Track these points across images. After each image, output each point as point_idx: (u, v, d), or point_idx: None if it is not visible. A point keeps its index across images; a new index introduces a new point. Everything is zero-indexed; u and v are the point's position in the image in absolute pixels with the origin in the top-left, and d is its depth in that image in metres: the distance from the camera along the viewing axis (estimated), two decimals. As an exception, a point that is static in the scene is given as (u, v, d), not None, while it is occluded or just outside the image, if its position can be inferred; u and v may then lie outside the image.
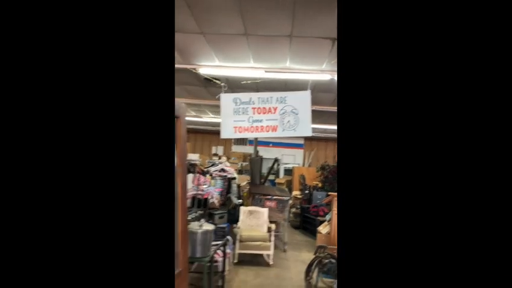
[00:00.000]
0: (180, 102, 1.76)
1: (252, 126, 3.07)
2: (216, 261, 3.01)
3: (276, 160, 6.43)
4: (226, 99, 3.17)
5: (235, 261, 3.68)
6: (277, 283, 3.16)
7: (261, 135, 3.08)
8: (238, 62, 3.94)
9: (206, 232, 2.44)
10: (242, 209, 4.25)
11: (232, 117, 3.13)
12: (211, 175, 4.07)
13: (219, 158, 6.04)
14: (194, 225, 2.43)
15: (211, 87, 5.13)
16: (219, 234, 3.17)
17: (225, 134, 3.14)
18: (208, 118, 7.81)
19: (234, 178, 5.15)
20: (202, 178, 4.11)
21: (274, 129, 3.04)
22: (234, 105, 3.13)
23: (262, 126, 3.06)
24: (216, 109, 7.05)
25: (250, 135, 3.13)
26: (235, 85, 4.83)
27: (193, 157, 4.61)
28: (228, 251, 3.27)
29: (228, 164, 4.89)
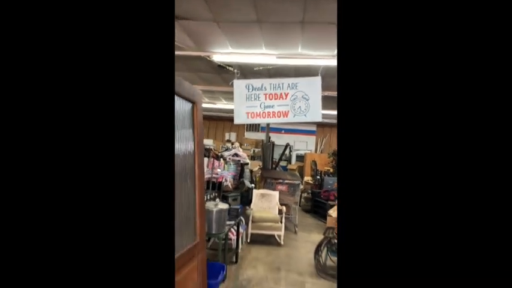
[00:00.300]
0: (196, 88, 1.89)
1: (264, 112, 3.18)
2: (230, 239, 3.21)
3: (288, 145, 6.53)
4: (239, 85, 3.27)
5: (248, 240, 3.89)
6: (288, 261, 3.34)
7: (272, 120, 3.19)
8: (250, 48, 4.00)
9: (221, 211, 2.61)
10: (254, 191, 4.42)
11: (245, 103, 3.24)
12: (225, 159, 4.24)
13: (232, 144, 6.21)
14: (210, 204, 2.61)
15: (224, 74, 5.22)
16: (232, 214, 3.36)
17: (238, 120, 3.26)
18: (222, 105, 7.93)
19: (247, 163, 5.31)
20: (216, 162, 4.29)
21: (286, 114, 3.14)
22: (246, 92, 3.23)
23: (273, 111, 3.16)
24: (229, 96, 7.16)
25: (262, 121, 3.25)
26: (248, 71, 4.90)
27: (208, 142, 4.77)
28: (241, 230, 3.47)
29: (240, 149, 5.04)
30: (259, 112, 3.21)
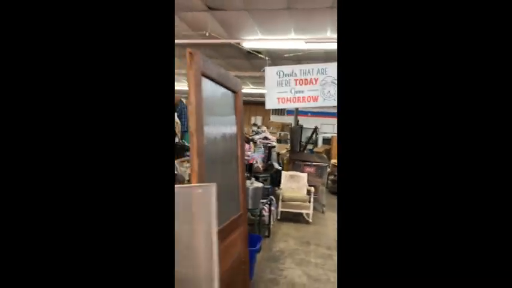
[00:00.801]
0: (236, 78, 2.10)
1: (294, 97, 3.33)
2: (263, 215, 3.50)
3: (316, 129, 6.62)
4: (271, 72, 3.42)
5: (278, 217, 4.17)
6: (316, 236, 3.58)
7: (302, 105, 3.34)
8: (279, 34, 4.10)
9: (256, 188, 2.87)
10: (283, 173, 4.64)
11: (276, 89, 3.40)
12: (255, 142, 4.47)
13: (258, 128, 6.42)
14: (246, 183, 2.87)
15: (253, 59, 5.36)
16: (264, 193, 3.62)
17: (269, 105, 3.44)
18: (249, 89, 8.10)
19: (274, 146, 5.52)
20: (247, 145, 4.54)
21: (315, 99, 3.27)
22: (277, 78, 3.38)
23: (303, 96, 3.30)
24: (256, 80, 7.30)
25: (292, 106, 3.41)
26: (276, 57, 5.00)
27: (238, 126, 5.00)
28: (272, 208, 3.74)
29: (268, 133, 5.24)
30: (290, 97, 3.36)
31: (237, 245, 1.91)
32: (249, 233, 2.65)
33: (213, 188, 1.34)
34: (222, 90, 1.81)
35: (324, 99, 3.27)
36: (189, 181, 1.83)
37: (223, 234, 1.65)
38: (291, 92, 3.35)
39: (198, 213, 1.31)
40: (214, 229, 1.31)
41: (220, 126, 1.76)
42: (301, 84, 3.33)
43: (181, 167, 2.12)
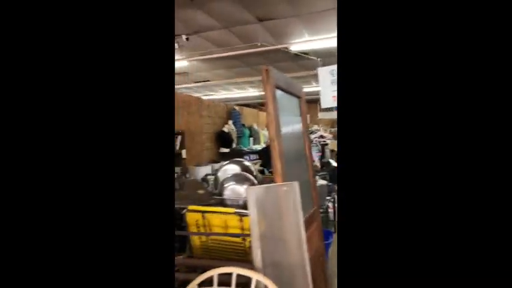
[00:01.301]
0: (299, 84, 2.25)
1: (350, 94, 3.36)
2: (329, 212, 3.57)
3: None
4: (324, 71, 3.50)
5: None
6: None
7: (359, 100, 3.35)
8: (326, 33, 4.14)
9: (322, 186, 2.98)
10: (342, 170, 4.63)
11: (330, 87, 3.47)
12: (312, 142, 4.57)
13: (311, 127, 6.45)
14: (311, 181, 3.00)
15: (300, 60, 5.47)
16: (328, 190, 3.69)
17: (325, 104, 3.52)
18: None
19: (327, 144, 5.52)
20: (302, 145, 4.66)
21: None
22: (331, 77, 3.45)
23: (360, 92, 3.31)
24: (302, 80, 7.38)
25: (349, 102, 3.44)
26: (325, 56, 5.04)
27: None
28: (335, 205, 3.78)
29: (324, 131, 5.28)
30: (345, 94, 3.40)
31: (315, 237, 2.05)
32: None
33: (296, 185, 1.52)
34: (289, 97, 1.98)
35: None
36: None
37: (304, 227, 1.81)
38: (345, 88, 3.39)
39: (285, 208, 1.49)
40: (301, 221, 1.48)
41: (290, 129, 1.94)
42: (355, 80, 3.34)
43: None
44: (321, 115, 11.63)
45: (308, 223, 1.96)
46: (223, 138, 5.61)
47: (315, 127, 5.92)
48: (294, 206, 1.50)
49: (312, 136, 4.62)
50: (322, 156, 5.22)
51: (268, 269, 1.30)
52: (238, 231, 1.47)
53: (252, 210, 1.31)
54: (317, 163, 4.56)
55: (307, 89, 7.77)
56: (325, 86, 3.51)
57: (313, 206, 2.11)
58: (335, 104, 3.50)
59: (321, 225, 2.23)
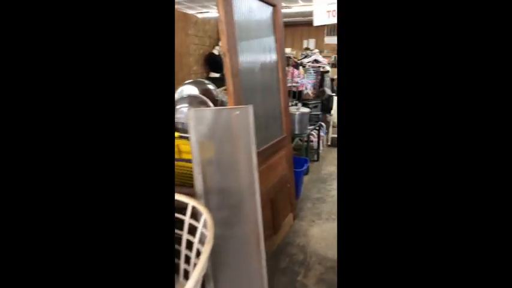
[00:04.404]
0: (275, -11, 1.87)
1: (346, 8, 2.89)
2: (312, 141, 3.51)
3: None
4: (319, -21, 2.96)
5: (329, 143, 4.15)
6: (368, 161, 3.52)
7: (356, 17, 2.89)
8: None
9: (302, 114, 2.83)
10: (335, 99, 4.41)
11: (326, 0, 2.98)
12: (304, 66, 4.22)
13: (309, 51, 5.92)
14: (292, 109, 2.84)
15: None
16: (313, 119, 3.56)
17: (317, 21, 3.08)
18: (298, 7, 7.28)
19: (327, 71, 5.12)
20: (296, 72, 4.31)
21: (373, 7, 2.78)
22: (326, -14, 2.92)
23: (358, 6, 2.83)
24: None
25: (344, 19, 2.98)
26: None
27: (286, 51, 4.70)
28: (321, 134, 3.70)
29: (320, 55, 4.83)
30: (342, 9, 2.92)
31: (282, 164, 2.00)
32: (296, 156, 2.73)
33: (249, 110, 1.36)
34: (257, 3, 1.65)
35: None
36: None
37: (266, 154, 1.73)
38: (343, 2, 2.89)
39: (237, 133, 1.37)
40: (253, 147, 1.37)
41: (257, 46, 1.67)
42: (355, -9, 2.83)
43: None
44: (328, 40, 10.67)
45: (274, 150, 1.88)
46: (213, 62, 5.20)
47: (315, 51, 5.40)
48: (247, 131, 1.37)
49: (305, 60, 4.24)
50: (321, 85, 4.91)
51: (212, 196, 1.25)
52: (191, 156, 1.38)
53: (193, 134, 1.19)
54: (309, 91, 4.30)
55: (312, 8, 6.88)
56: (319, -2, 3.01)
57: (282, 134, 2.00)
58: (330, 21, 3.06)
59: (291, 153, 2.17)
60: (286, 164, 2.06)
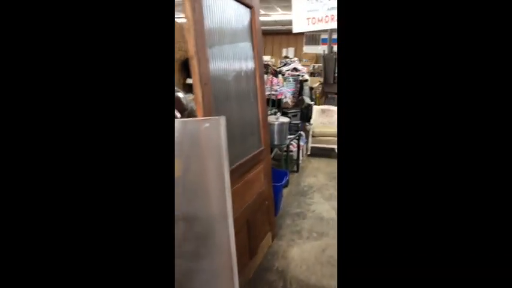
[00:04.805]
0: (252, -10, 1.72)
1: (327, 16, 2.82)
2: (291, 151, 3.38)
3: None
4: (298, -15, 2.88)
5: (308, 153, 4.05)
6: (348, 172, 3.44)
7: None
8: None
9: (282, 123, 2.69)
10: (314, 108, 4.34)
11: (306, 7, 2.89)
12: (283, 75, 4.12)
13: (289, 59, 5.87)
14: (271, 118, 2.69)
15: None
16: (293, 129, 3.44)
17: (297, 27, 2.99)
18: (278, 15, 7.27)
19: (306, 80, 5.07)
20: (275, 79, 4.20)
21: (353, 16, 2.73)
22: (306, -7, 2.84)
23: (338, 14, 2.77)
24: (285, 3, 6.43)
25: (325, 26, 2.90)
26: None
27: (265, 58, 4.59)
28: (301, 143, 3.59)
29: (299, 63, 4.77)
30: (322, 16, 2.86)
31: (259, 180, 1.83)
32: (274, 168, 2.58)
33: (221, 121, 1.18)
34: (232, 4, 1.49)
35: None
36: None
37: (242, 170, 1.55)
38: (323, 9, 2.83)
39: (207, 149, 1.18)
40: (226, 165, 1.19)
41: (232, 50, 1.50)
42: (335, -1, 2.77)
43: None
44: (306, 49, 10.79)
45: (251, 165, 1.70)
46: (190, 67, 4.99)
47: (294, 59, 5.34)
48: (218, 146, 1.19)
49: (285, 69, 4.14)
50: (300, 93, 4.84)
51: (176, 224, 1.05)
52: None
53: (151, 152, 0.99)
54: (288, 100, 4.20)
55: (291, 16, 6.89)
56: (299, 5, 2.92)
57: (260, 146, 1.83)
58: (310, 28, 2.97)
59: (269, 166, 2.00)
60: (264, 179, 1.89)
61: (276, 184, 2.15)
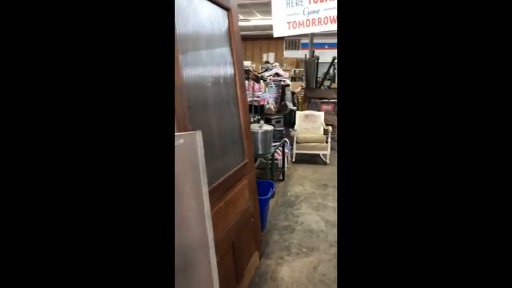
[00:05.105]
0: (229, -8, 1.60)
1: (307, 20, 2.74)
2: (276, 159, 3.26)
3: (333, 61, 5.91)
4: (277, -12, 2.79)
5: (293, 160, 3.95)
6: (335, 178, 3.36)
7: (318, 29, 2.76)
8: None
9: (266, 132, 2.57)
10: (298, 113, 4.27)
11: (285, 11, 2.80)
12: (265, 80, 4.02)
13: (269, 64, 5.81)
14: (254, 127, 2.56)
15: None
16: (276, 136, 3.33)
17: (278, 32, 2.89)
18: (257, 21, 7.22)
19: (288, 85, 5.01)
20: (257, 85, 4.10)
21: (334, 20, 2.67)
22: (286, -4, 2.76)
23: (319, 18, 2.70)
24: (264, 8, 6.38)
25: (305, 30, 2.83)
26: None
27: (246, 63, 4.48)
28: (286, 151, 3.48)
29: (281, 69, 4.69)
30: (302, 20, 2.78)
31: (244, 196, 1.69)
32: (260, 178, 2.44)
33: (197, 137, 1.03)
34: (207, 5, 1.35)
35: (345, 20, 2.66)
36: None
37: (224, 188, 1.40)
38: (303, 13, 2.75)
39: (182, 169, 1.03)
40: (204, 186, 1.04)
41: (208, 56, 1.36)
42: (316, 2, 2.70)
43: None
44: (287, 53, 10.83)
45: (234, 181, 1.56)
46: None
47: (275, 64, 5.28)
48: (194, 166, 1.04)
49: (267, 74, 4.05)
50: (282, 99, 4.76)
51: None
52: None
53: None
54: (271, 106, 4.10)
55: (271, 21, 6.84)
56: (279, 9, 2.83)
57: (244, 159, 1.69)
58: (290, 32, 2.88)
59: (254, 180, 1.86)
60: (249, 194, 1.74)
61: (262, 198, 2.02)
